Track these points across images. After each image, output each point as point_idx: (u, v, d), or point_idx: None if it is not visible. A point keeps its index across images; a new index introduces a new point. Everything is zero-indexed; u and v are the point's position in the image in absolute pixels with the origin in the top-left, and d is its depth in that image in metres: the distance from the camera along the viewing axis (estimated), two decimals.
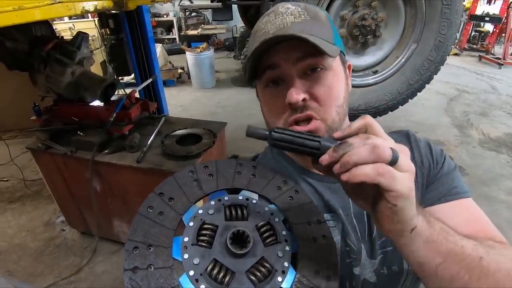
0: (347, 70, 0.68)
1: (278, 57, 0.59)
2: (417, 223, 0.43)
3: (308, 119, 0.60)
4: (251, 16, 5.17)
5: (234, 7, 6.07)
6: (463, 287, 0.45)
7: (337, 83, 0.63)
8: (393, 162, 0.39)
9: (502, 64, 6.71)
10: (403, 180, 0.39)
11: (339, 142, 0.43)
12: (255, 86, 0.71)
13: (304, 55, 0.58)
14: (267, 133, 0.47)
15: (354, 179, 0.39)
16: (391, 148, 0.39)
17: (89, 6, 1.54)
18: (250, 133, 0.47)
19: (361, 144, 0.40)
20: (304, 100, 0.58)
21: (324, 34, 0.59)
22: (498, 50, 7.58)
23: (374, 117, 3.30)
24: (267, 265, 0.46)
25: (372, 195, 0.44)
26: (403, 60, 3.05)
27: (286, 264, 0.46)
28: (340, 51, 0.64)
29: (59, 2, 1.34)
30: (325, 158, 0.42)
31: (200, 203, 0.51)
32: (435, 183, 0.67)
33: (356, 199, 0.47)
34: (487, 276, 0.45)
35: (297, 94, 0.57)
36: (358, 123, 0.43)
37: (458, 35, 7.79)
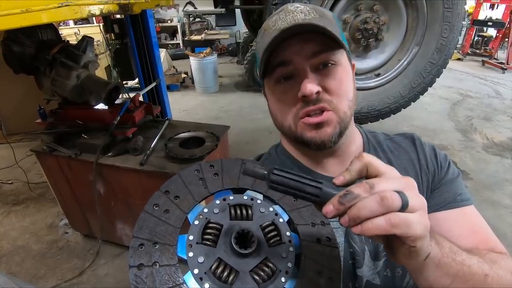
0: (352, 70, 0.69)
1: (290, 52, 0.60)
2: (431, 250, 0.42)
3: (321, 111, 0.60)
4: (254, 21, 5.21)
5: (238, 13, 6.11)
6: None
7: (347, 78, 0.64)
8: (403, 208, 0.37)
9: (506, 69, 6.69)
10: (418, 222, 0.38)
11: (341, 189, 0.41)
12: (262, 85, 0.71)
13: (319, 50, 0.59)
14: (265, 173, 0.44)
15: (368, 233, 0.37)
16: (399, 193, 0.37)
17: (95, 9, 1.56)
18: (246, 171, 0.45)
19: (367, 195, 0.38)
20: (317, 93, 0.58)
21: (332, 29, 0.60)
22: (501, 55, 7.57)
23: (377, 120, 3.30)
24: (271, 265, 0.46)
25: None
26: (405, 63, 3.06)
27: (289, 264, 0.46)
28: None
29: (65, 5, 1.35)
30: (329, 210, 0.39)
31: (205, 202, 0.51)
32: (440, 189, 0.68)
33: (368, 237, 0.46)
34: None
35: (311, 86, 0.57)
36: (357, 165, 0.42)
37: (461, 39, 7.79)
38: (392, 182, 0.39)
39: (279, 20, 0.61)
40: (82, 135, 2.07)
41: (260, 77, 0.67)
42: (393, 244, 0.42)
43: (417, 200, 0.38)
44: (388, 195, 0.36)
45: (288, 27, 0.56)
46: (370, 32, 2.83)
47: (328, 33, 0.55)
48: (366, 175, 0.41)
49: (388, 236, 0.41)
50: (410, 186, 0.39)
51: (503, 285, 0.46)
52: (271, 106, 0.69)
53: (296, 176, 0.43)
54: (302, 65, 0.60)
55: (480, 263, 0.47)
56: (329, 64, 0.61)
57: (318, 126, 0.61)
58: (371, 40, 2.90)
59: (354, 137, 0.72)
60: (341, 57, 0.63)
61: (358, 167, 0.41)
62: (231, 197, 0.51)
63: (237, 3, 5.21)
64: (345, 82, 0.63)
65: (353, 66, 0.70)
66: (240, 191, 0.54)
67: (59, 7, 1.32)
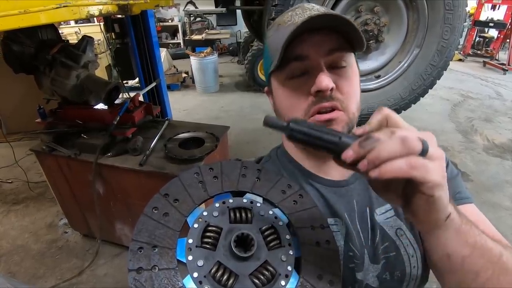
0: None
1: (307, 47, 0.59)
2: (451, 210, 0.42)
3: (332, 109, 0.60)
4: (254, 22, 5.20)
5: (239, 12, 6.10)
6: (483, 283, 0.45)
7: (356, 80, 0.64)
8: (424, 153, 0.37)
9: (507, 70, 6.69)
10: (436, 169, 0.38)
11: (360, 137, 0.41)
12: (268, 82, 0.70)
13: (336, 48, 0.59)
14: (285, 124, 0.44)
15: (386, 175, 0.36)
16: (420, 138, 0.37)
17: (94, 10, 1.55)
18: (267, 122, 0.44)
19: (388, 138, 0.37)
20: (332, 89, 0.58)
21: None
22: (502, 56, 7.57)
23: None
24: (271, 268, 0.45)
25: (402, 188, 0.43)
26: (405, 65, 3.05)
27: (289, 268, 0.46)
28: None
29: (64, 6, 1.35)
30: (349, 154, 0.39)
31: (204, 205, 0.51)
32: None
33: (385, 195, 0.45)
34: (506, 273, 0.45)
35: (328, 81, 0.56)
36: (377, 116, 0.42)
37: (462, 41, 7.79)
38: (412, 130, 0.39)
39: (295, 16, 0.60)
40: (82, 135, 2.07)
41: (270, 72, 0.65)
42: (411, 200, 0.41)
43: (436, 149, 0.39)
44: (409, 137, 0.36)
45: (318, 15, 0.54)
46: (371, 33, 2.83)
47: (351, 26, 0.55)
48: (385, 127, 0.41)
49: (406, 191, 0.41)
50: (429, 137, 0.39)
51: None
52: (278, 103, 0.67)
53: (315, 126, 0.43)
54: (317, 61, 0.59)
55: (493, 241, 0.46)
56: (343, 64, 0.61)
57: (328, 123, 0.60)
58: (371, 41, 2.89)
59: None
60: (352, 59, 0.63)
61: (379, 118, 0.41)
62: (231, 200, 0.51)
63: (237, 3, 5.20)
64: (356, 84, 0.63)
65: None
66: (240, 194, 0.53)
67: (57, 7, 1.31)
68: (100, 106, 2.18)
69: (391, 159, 0.36)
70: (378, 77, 3.12)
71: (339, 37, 0.59)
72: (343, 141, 0.41)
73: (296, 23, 0.57)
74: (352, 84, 0.62)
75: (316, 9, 0.61)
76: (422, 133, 0.40)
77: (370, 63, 3.09)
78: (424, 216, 0.42)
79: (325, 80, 0.56)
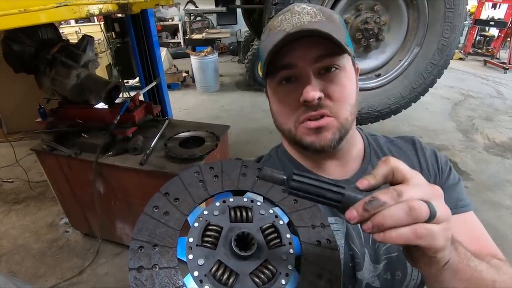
0: (356, 73, 0.69)
1: (295, 56, 0.59)
2: (450, 257, 0.42)
3: (321, 116, 0.60)
4: (254, 20, 5.19)
5: (239, 11, 6.11)
6: None
7: (350, 84, 0.63)
8: (430, 219, 0.36)
9: (508, 69, 6.68)
10: (441, 234, 0.37)
11: (364, 193, 0.40)
12: (265, 85, 0.70)
13: (323, 54, 0.58)
14: (284, 178, 0.42)
15: (390, 241, 0.36)
16: (427, 203, 0.36)
17: (94, 9, 1.56)
18: (264, 176, 0.43)
19: (394, 203, 0.36)
20: (319, 98, 0.58)
21: (338, 34, 0.59)
22: (503, 54, 7.55)
23: (377, 121, 3.29)
24: (271, 267, 0.45)
25: None
26: (406, 63, 3.04)
27: (290, 267, 0.46)
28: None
29: (64, 5, 1.35)
30: (353, 216, 0.38)
31: (205, 204, 0.51)
32: None
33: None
34: None
35: (313, 92, 0.56)
36: (383, 169, 0.40)
37: (463, 39, 7.78)
38: (420, 189, 0.38)
39: (284, 21, 0.60)
40: (82, 134, 2.07)
41: (262, 77, 0.67)
42: (413, 252, 0.41)
43: (443, 210, 0.37)
44: (416, 205, 0.35)
45: (293, 32, 0.55)
46: (371, 32, 2.82)
47: (335, 41, 0.55)
48: (391, 180, 0.40)
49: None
50: (437, 195, 0.38)
51: None
52: (273, 107, 0.68)
53: (316, 181, 0.41)
54: (305, 69, 0.59)
55: (488, 269, 0.47)
56: (333, 69, 0.60)
57: (318, 130, 0.60)
58: (371, 40, 2.89)
59: (355, 140, 0.72)
60: (346, 61, 0.62)
61: (384, 172, 0.40)
62: (231, 199, 0.51)
63: (238, 2, 5.20)
64: (348, 87, 0.62)
65: (357, 69, 0.69)
66: (240, 193, 0.53)
67: (57, 7, 1.32)
68: (101, 105, 2.19)
69: (396, 227, 0.36)
70: (378, 75, 3.11)
71: (328, 42, 0.57)
72: (347, 197, 0.40)
73: (283, 30, 0.58)
74: (344, 88, 0.61)
75: (306, 12, 0.60)
76: (430, 188, 0.39)
77: (370, 62, 3.09)
78: (424, 268, 0.43)
79: (310, 92, 0.56)
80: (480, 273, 0.46)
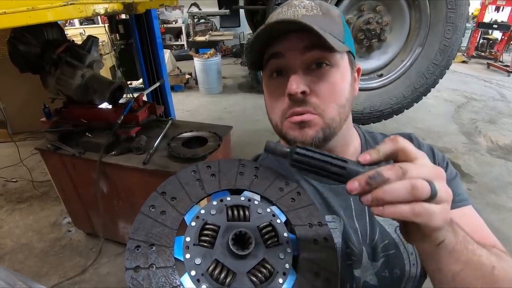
0: (356, 73, 0.66)
1: (284, 46, 0.58)
2: (445, 236, 0.42)
3: (306, 113, 0.58)
4: (257, 22, 5.21)
5: (242, 14, 6.13)
6: None
7: (342, 82, 0.60)
8: (431, 198, 0.36)
9: (511, 72, 6.63)
10: (440, 214, 0.37)
11: (367, 167, 0.40)
12: (261, 81, 0.71)
13: (311, 45, 0.56)
14: (288, 150, 0.43)
15: (387, 215, 0.36)
16: (429, 183, 0.36)
17: (100, 8, 1.57)
18: (268, 148, 0.44)
19: (397, 179, 0.36)
20: (304, 93, 0.56)
21: (333, 30, 0.58)
22: (506, 57, 7.50)
23: (379, 121, 3.29)
24: (268, 266, 0.46)
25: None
26: (408, 63, 3.04)
27: (287, 265, 0.46)
28: (350, 52, 0.63)
29: (71, 4, 1.37)
30: (354, 187, 0.38)
31: (202, 203, 0.51)
32: None
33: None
34: (496, 285, 0.46)
35: (296, 85, 0.55)
36: (388, 146, 0.40)
37: (466, 42, 7.73)
38: (424, 170, 0.38)
39: (280, 14, 0.60)
40: (86, 133, 2.09)
41: (248, 67, 0.67)
42: (409, 227, 0.42)
43: (445, 192, 0.38)
44: (419, 184, 0.36)
45: (275, 21, 0.54)
46: (373, 32, 2.83)
47: (315, 33, 0.52)
48: (396, 159, 0.40)
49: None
50: (440, 176, 0.39)
51: (508, 279, 0.46)
52: (265, 101, 0.68)
53: (319, 155, 0.42)
54: (293, 62, 0.58)
55: (488, 255, 0.47)
56: (324, 65, 0.58)
57: (301, 125, 0.59)
58: (374, 40, 2.89)
59: (352, 138, 0.71)
60: (340, 58, 0.60)
61: (388, 150, 0.40)
62: (228, 198, 0.51)
63: (241, 3, 5.22)
64: (339, 86, 0.60)
65: (358, 69, 0.68)
66: (237, 192, 0.53)
67: (64, 5, 1.34)
68: (105, 105, 2.20)
69: (395, 203, 0.36)
70: (380, 76, 3.12)
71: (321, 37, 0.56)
72: (349, 171, 0.41)
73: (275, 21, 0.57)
74: (334, 86, 0.59)
75: (303, 5, 0.59)
76: (433, 168, 0.39)
77: (372, 62, 3.09)
78: (417, 243, 0.43)
79: (293, 84, 0.55)
80: (479, 258, 0.45)
